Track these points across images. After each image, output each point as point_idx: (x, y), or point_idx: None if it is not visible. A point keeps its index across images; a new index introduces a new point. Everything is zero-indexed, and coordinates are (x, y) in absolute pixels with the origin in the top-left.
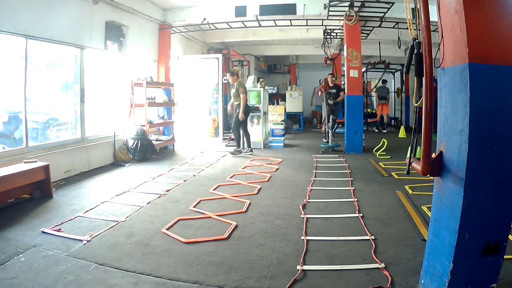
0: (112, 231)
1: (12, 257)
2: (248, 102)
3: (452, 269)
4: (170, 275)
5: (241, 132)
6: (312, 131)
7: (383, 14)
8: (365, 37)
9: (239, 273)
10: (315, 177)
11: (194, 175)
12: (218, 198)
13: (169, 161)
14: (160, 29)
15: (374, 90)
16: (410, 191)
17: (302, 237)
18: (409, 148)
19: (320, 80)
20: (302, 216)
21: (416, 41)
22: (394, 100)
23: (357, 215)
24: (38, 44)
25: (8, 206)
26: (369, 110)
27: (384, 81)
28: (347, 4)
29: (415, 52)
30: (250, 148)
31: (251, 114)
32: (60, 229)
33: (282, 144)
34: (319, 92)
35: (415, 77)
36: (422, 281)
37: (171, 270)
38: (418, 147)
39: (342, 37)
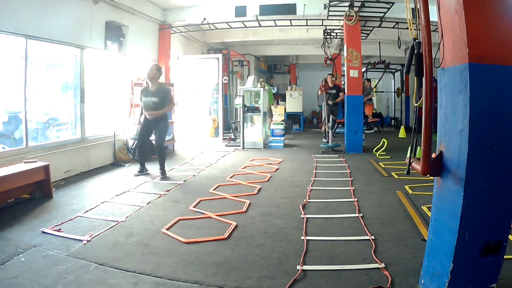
0: (112, 231)
1: (12, 257)
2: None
3: (452, 269)
4: (170, 275)
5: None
6: (312, 131)
7: (383, 14)
8: (365, 37)
9: (239, 273)
10: (315, 177)
11: (194, 175)
12: (218, 198)
13: (169, 161)
14: (160, 29)
15: (375, 90)
16: (410, 191)
17: (302, 237)
18: (409, 148)
19: (322, 80)
20: (302, 216)
21: (416, 41)
22: (394, 100)
23: (357, 215)
24: (38, 44)
25: (8, 206)
26: (372, 110)
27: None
28: (347, 4)
29: (415, 52)
30: (163, 173)
31: (250, 114)
32: (60, 229)
33: (282, 144)
34: (319, 91)
35: (415, 77)
36: (422, 281)
37: (171, 270)
38: (418, 147)
39: (342, 37)
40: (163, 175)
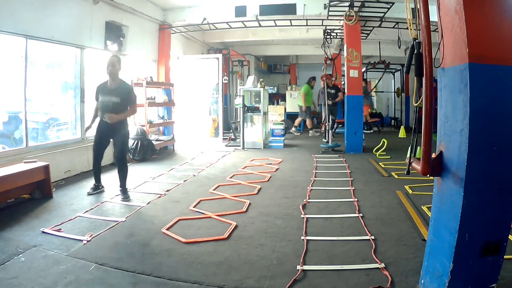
0: (112, 231)
1: (12, 257)
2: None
3: (452, 269)
4: (170, 275)
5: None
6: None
7: (383, 14)
8: (365, 37)
9: (239, 273)
10: (315, 177)
11: (194, 175)
12: (218, 198)
13: (169, 161)
14: (160, 29)
15: (375, 90)
16: (410, 191)
17: (302, 237)
18: (409, 148)
19: (323, 69)
20: (302, 216)
21: (416, 41)
22: (394, 100)
23: (357, 215)
24: (38, 44)
25: (8, 206)
26: (369, 110)
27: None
28: (347, 4)
29: (415, 52)
30: (125, 192)
31: (250, 114)
32: (60, 229)
33: (282, 144)
34: (321, 81)
35: (415, 77)
36: (422, 281)
37: (171, 270)
38: (418, 147)
39: (342, 37)
40: (125, 195)
